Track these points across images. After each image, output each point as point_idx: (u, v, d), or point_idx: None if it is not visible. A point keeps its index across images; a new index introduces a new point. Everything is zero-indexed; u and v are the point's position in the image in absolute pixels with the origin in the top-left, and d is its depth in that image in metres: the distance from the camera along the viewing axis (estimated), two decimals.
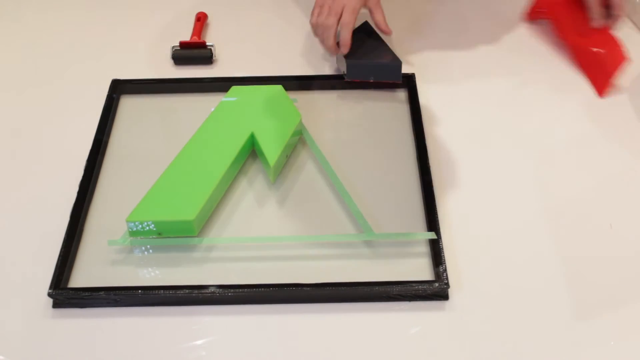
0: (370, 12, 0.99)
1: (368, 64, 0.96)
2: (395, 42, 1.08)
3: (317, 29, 0.99)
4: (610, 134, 0.93)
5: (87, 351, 0.71)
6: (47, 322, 0.74)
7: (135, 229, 0.78)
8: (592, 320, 0.73)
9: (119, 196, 0.85)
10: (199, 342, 0.72)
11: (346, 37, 0.96)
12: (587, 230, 0.81)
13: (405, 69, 1.00)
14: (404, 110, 0.97)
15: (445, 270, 0.74)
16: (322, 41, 1.00)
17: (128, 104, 0.99)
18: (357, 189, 0.85)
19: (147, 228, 0.78)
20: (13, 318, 0.74)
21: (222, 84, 0.97)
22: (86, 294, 0.74)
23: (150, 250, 0.80)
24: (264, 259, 0.79)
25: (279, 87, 0.94)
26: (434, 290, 0.74)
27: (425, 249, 0.79)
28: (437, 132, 0.93)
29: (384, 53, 0.98)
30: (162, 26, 1.14)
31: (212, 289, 0.74)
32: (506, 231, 0.81)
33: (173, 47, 1.06)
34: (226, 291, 0.74)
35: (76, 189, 0.84)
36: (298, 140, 0.91)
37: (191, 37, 1.08)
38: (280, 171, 0.87)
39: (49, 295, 0.74)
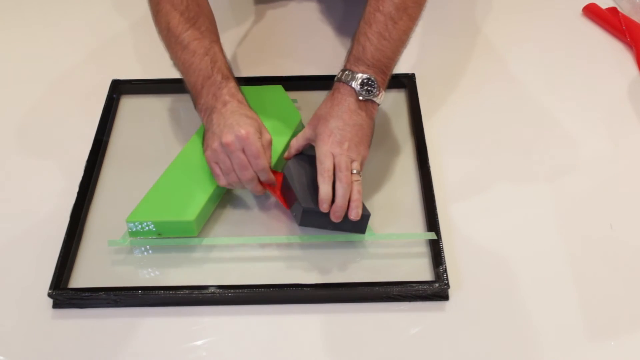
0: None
1: (327, 213, 0.76)
2: None
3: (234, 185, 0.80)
4: (609, 134, 0.94)
5: (87, 351, 0.71)
6: (47, 322, 0.74)
7: (135, 229, 0.78)
8: (593, 320, 0.73)
9: (119, 196, 0.85)
10: (199, 342, 0.72)
11: (272, 179, 0.79)
12: (587, 230, 0.81)
13: (405, 69, 1.00)
14: (403, 110, 0.96)
15: (445, 270, 0.74)
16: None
17: (128, 104, 0.99)
18: None
19: (147, 228, 0.78)
20: (13, 318, 0.74)
21: None
22: (86, 294, 0.74)
23: (150, 251, 0.80)
24: (264, 259, 0.79)
25: (279, 87, 0.94)
26: (434, 290, 0.74)
27: (425, 249, 0.79)
28: (436, 132, 0.93)
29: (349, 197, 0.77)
30: None
31: (212, 289, 0.74)
32: (506, 231, 0.81)
33: None
34: (226, 291, 0.74)
35: (76, 189, 0.84)
36: None
37: None
38: None
39: (49, 295, 0.74)
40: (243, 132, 0.76)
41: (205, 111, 0.82)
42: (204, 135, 0.81)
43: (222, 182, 0.79)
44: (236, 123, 0.77)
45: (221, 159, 0.78)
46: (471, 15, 1.15)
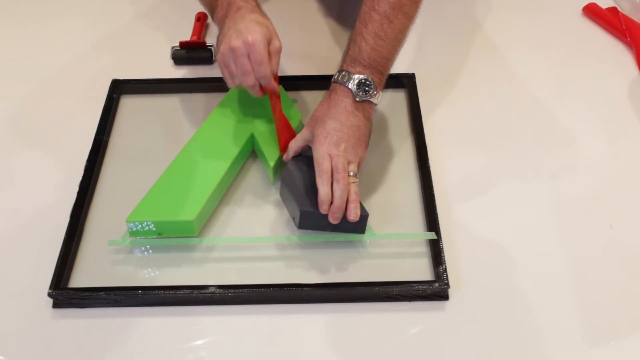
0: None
1: (326, 215, 0.76)
2: None
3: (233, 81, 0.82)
4: (609, 134, 0.94)
5: (87, 351, 0.71)
6: (47, 322, 0.74)
7: (135, 229, 0.78)
8: (592, 319, 0.73)
9: (119, 196, 0.85)
10: (199, 342, 0.72)
11: (273, 87, 0.82)
12: (587, 230, 0.81)
13: (405, 69, 1.00)
14: (403, 110, 0.96)
15: (445, 270, 0.74)
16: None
17: (128, 104, 0.99)
18: None
19: (147, 228, 0.78)
20: (13, 318, 0.74)
21: (222, 84, 0.96)
22: (86, 294, 0.74)
23: (150, 250, 0.80)
24: (264, 259, 0.79)
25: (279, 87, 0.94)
26: (434, 290, 0.74)
27: (425, 249, 0.79)
28: (436, 132, 0.93)
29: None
30: (162, 26, 1.14)
31: (212, 289, 0.74)
32: (506, 231, 0.81)
33: (173, 47, 1.05)
34: (226, 291, 0.74)
35: (76, 189, 0.84)
36: None
37: (191, 37, 1.08)
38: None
39: (49, 295, 0.74)
40: (250, 38, 0.77)
41: (220, 19, 0.84)
42: (217, 39, 0.83)
43: (230, 84, 0.82)
44: (245, 28, 0.78)
45: (228, 63, 0.80)
46: (471, 15, 1.15)
